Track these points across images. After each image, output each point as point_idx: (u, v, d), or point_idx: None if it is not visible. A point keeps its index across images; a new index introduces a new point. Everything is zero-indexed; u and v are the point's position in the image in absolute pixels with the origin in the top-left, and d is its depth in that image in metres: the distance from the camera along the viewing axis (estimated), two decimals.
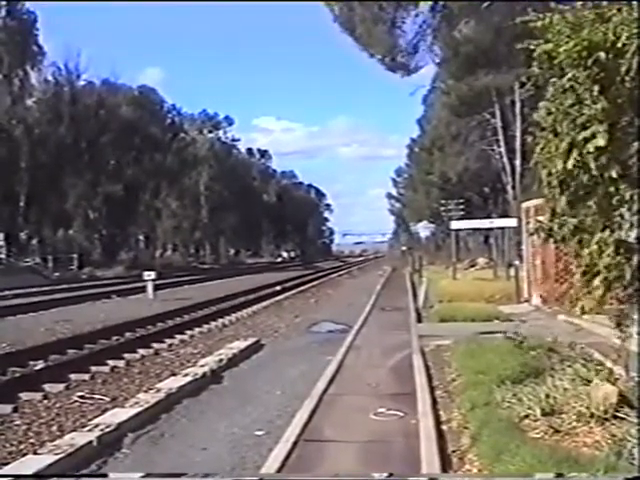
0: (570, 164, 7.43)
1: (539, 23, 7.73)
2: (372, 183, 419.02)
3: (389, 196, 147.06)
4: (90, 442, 8.25)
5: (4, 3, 68.82)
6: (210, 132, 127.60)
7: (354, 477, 6.54)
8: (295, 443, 8.02)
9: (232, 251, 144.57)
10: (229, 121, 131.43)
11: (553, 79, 7.84)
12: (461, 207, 67.71)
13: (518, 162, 52.25)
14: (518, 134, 50.78)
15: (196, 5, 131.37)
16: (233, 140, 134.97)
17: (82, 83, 79.78)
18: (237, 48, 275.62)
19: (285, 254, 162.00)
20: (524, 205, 25.13)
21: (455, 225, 40.38)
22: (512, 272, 28.26)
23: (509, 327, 15.19)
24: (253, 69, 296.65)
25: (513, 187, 54.66)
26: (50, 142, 73.10)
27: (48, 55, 74.97)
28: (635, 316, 7.80)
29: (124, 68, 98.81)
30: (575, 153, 7.40)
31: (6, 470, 7.35)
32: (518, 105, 49.89)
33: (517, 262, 28.08)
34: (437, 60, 31.52)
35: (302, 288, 40.11)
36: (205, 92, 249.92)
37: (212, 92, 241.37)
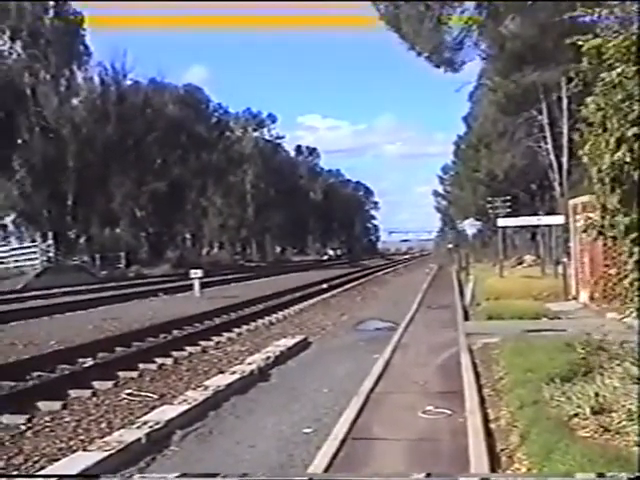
0: (618, 159, 7.37)
1: (587, 18, 7.68)
2: (418, 181, 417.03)
3: (435, 193, 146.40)
4: (139, 439, 8.29)
5: (52, 4, 69.39)
6: (255, 130, 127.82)
7: (394, 477, 6.52)
8: (343, 441, 8.02)
9: (278, 249, 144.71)
10: (272, 119, 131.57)
11: (602, 74, 7.77)
12: (508, 204, 67.25)
13: (565, 159, 51.89)
14: (565, 130, 50.43)
15: (240, 3, 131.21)
16: (278, 138, 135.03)
17: (128, 83, 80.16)
18: (281, 46, 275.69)
19: (331, 252, 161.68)
20: (571, 202, 24.96)
21: (502, 222, 40.09)
22: (560, 269, 28.08)
23: (557, 325, 15.10)
24: (298, 67, 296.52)
25: (560, 184, 54.26)
26: (97, 141, 73.52)
27: (94, 55, 75.65)
28: None
29: (170, 67, 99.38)
30: (624, 148, 7.33)
31: (56, 466, 7.41)
32: (565, 101, 49.51)
33: (565, 259, 27.90)
34: (483, 56, 31.32)
35: (348, 286, 40.06)
36: (250, 90, 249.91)
37: (257, 90, 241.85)
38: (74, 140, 70.11)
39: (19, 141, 68.04)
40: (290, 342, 16.25)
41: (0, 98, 65.04)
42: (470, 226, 65.01)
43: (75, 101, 75.25)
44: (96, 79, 77.32)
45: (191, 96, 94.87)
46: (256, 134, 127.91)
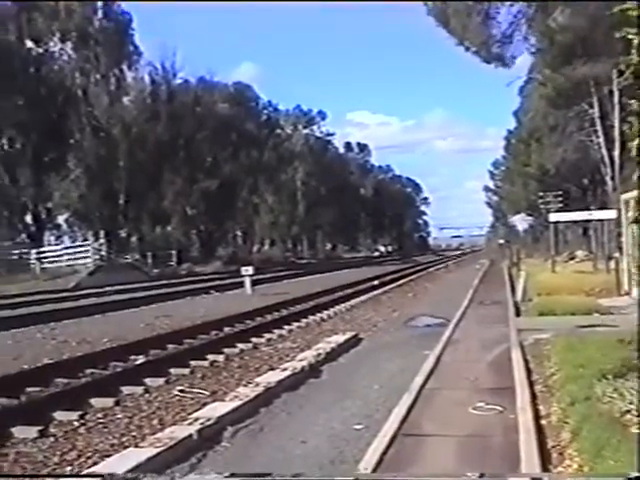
0: None
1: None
2: (469, 176, 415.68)
3: (486, 189, 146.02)
4: (190, 435, 8.35)
5: (100, 4, 70.04)
6: (305, 127, 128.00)
7: (447, 477, 6.50)
8: (394, 437, 8.01)
9: (329, 246, 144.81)
10: (322, 116, 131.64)
11: None
12: (559, 199, 66.80)
13: (617, 153, 51.35)
14: (617, 124, 49.89)
15: (284, 3, 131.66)
16: (328, 135, 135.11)
17: (178, 81, 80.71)
18: (329, 42, 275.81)
19: (382, 248, 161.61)
20: (624, 196, 24.71)
21: (553, 217, 39.81)
22: (612, 265, 27.84)
23: (609, 320, 14.98)
24: (347, 63, 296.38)
25: (612, 178, 53.75)
26: (148, 140, 74.02)
27: (144, 55, 76.23)
28: None
29: (219, 64, 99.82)
30: None
31: (107, 462, 7.48)
32: (616, 94, 49.05)
33: (617, 254, 27.64)
34: (532, 50, 31.19)
35: (399, 282, 39.96)
36: (299, 87, 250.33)
37: (306, 87, 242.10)
38: (125, 139, 70.70)
39: (71, 141, 68.71)
40: (341, 338, 16.27)
41: (52, 99, 65.83)
42: (521, 221, 64.72)
43: (126, 100, 75.87)
44: (146, 78, 77.91)
45: (241, 94, 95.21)
46: (306, 131, 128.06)
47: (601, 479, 5.60)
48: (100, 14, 70.03)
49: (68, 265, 55.53)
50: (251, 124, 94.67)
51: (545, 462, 7.00)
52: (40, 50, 68.84)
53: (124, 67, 74.00)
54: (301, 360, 13.36)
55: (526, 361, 12.45)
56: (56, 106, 67.02)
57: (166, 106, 77.05)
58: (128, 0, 72.17)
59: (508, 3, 25.80)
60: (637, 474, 5.60)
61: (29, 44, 67.73)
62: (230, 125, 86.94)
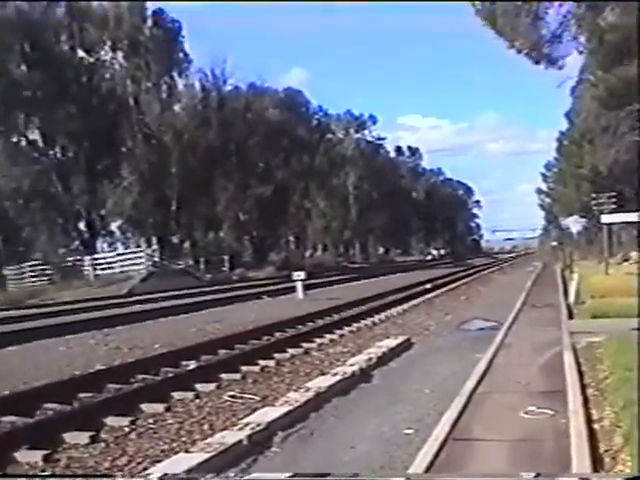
0: None
1: None
2: (521, 178, 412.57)
3: (539, 191, 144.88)
4: (240, 441, 8.33)
5: (150, 13, 70.68)
6: (356, 132, 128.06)
7: (501, 477, 6.44)
8: (444, 442, 7.96)
9: (381, 250, 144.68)
10: (373, 120, 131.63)
11: None
12: (613, 200, 66.19)
13: None
14: None
15: (338, 4, 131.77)
16: (379, 139, 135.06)
17: (229, 88, 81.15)
18: (380, 47, 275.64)
19: (435, 252, 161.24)
20: None
21: (607, 219, 39.33)
22: None
23: None
24: (397, 67, 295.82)
25: None
26: (199, 147, 74.49)
27: (194, 62, 76.76)
28: None
29: (270, 70, 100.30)
30: None
31: (158, 468, 7.49)
32: None
33: None
34: (582, 50, 30.89)
35: (452, 286, 39.80)
36: (350, 91, 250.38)
37: (356, 91, 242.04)
38: (177, 146, 71.23)
39: (123, 149, 69.30)
40: (392, 343, 16.20)
41: (104, 107, 66.49)
42: (574, 223, 64.06)
43: (177, 108, 76.41)
44: (197, 85, 78.44)
45: (291, 99, 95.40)
46: (357, 136, 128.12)
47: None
48: (150, 22, 70.63)
49: (121, 271, 56.03)
50: (302, 129, 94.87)
51: (597, 467, 6.91)
52: (92, 59, 69.59)
53: (175, 74, 74.79)
54: (352, 365, 13.30)
55: (578, 364, 12.32)
56: (108, 114, 67.69)
57: (217, 113, 77.49)
58: (176, 0, 72.89)
59: (557, 3, 25.62)
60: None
61: (81, 54, 68.51)
62: (281, 131, 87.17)
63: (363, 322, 22.17)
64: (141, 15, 70.04)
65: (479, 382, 11.17)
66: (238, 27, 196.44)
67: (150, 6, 71.14)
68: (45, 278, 58.92)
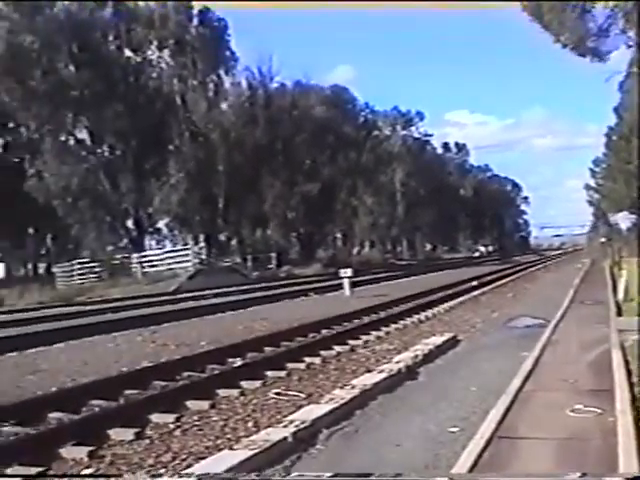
0: None
1: None
2: (569, 174, 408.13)
3: (587, 187, 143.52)
4: (285, 438, 8.32)
5: (196, 11, 71.00)
6: (403, 128, 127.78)
7: (546, 477, 6.38)
8: (489, 440, 7.89)
9: (429, 247, 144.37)
10: (420, 116, 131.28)
11: None
12: None
13: None
14: None
15: (380, 4, 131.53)
16: (426, 135, 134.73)
17: (275, 86, 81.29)
18: (425, 42, 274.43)
19: (482, 248, 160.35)
20: None
21: None
22: None
23: None
24: (443, 63, 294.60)
25: None
26: (246, 144, 74.71)
27: (241, 60, 76.97)
28: None
29: (316, 67, 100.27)
30: None
31: (202, 465, 7.50)
32: None
33: None
34: (631, 44, 30.53)
35: (499, 283, 39.58)
36: (396, 88, 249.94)
37: (403, 88, 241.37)
38: (223, 144, 71.46)
39: (170, 147, 69.67)
40: (439, 340, 16.13)
41: (151, 106, 66.93)
42: (624, 219, 63.62)
43: (224, 106, 76.68)
44: (243, 83, 78.64)
45: (338, 97, 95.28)
46: (404, 132, 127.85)
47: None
48: (196, 21, 70.95)
49: (169, 269, 56.33)
50: (349, 126, 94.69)
51: None
52: (138, 59, 70.08)
53: (221, 73, 74.92)
54: (398, 362, 13.26)
55: (627, 362, 12.18)
56: (155, 113, 68.12)
57: (263, 110, 77.64)
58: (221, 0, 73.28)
59: None
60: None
61: (128, 53, 69.00)
62: (328, 128, 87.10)
63: (409, 319, 22.11)
64: (187, 14, 70.32)
65: (525, 380, 11.08)
66: (284, 24, 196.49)
67: (196, 5, 71.49)
68: (93, 276, 59.42)
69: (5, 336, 21.24)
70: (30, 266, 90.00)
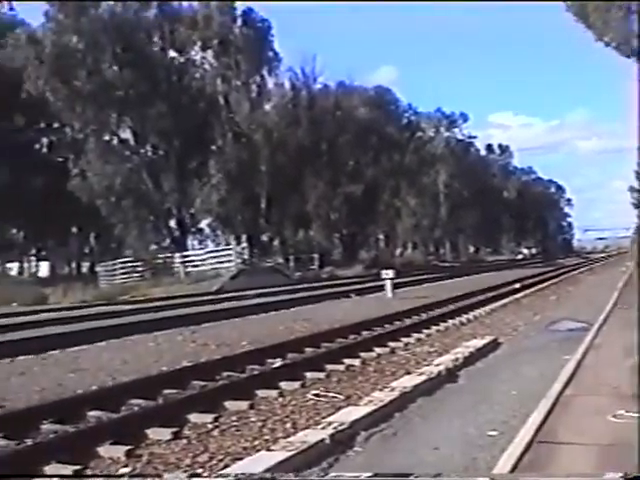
0: None
1: None
2: (614, 176, 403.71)
3: (632, 189, 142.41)
4: (322, 440, 8.29)
5: (240, 12, 71.25)
6: (447, 130, 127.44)
7: (586, 477, 6.29)
8: (529, 444, 7.81)
9: (472, 249, 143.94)
10: (464, 118, 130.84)
11: None
12: None
13: None
14: None
15: (428, 4, 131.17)
16: (469, 137, 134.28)
17: (318, 87, 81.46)
18: (469, 43, 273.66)
19: (525, 251, 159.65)
20: None
21: None
22: None
23: None
24: (487, 64, 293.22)
25: None
26: (289, 145, 74.89)
27: (284, 61, 77.13)
28: None
29: (359, 68, 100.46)
30: None
31: (239, 465, 7.49)
32: None
33: None
34: None
35: (541, 285, 39.30)
36: (440, 89, 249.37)
37: (447, 89, 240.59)
38: (266, 145, 71.62)
39: (213, 147, 69.96)
40: (480, 343, 16.04)
41: (194, 106, 67.27)
42: None
43: (267, 106, 76.89)
44: (287, 84, 78.82)
45: (381, 97, 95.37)
46: (448, 134, 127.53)
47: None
48: (240, 22, 71.13)
49: (211, 269, 56.50)
50: (392, 127, 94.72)
51: None
52: (182, 59, 70.47)
53: (265, 73, 75.09)
54: (438, 364, 13.20)
55: None
56: (198, 113, 68.48)
57: (307, 111, 77.82)
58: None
59: None
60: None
61: (172, 54, 69.39)
62: (371, 129, 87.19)
63: (451, 321, 22.02)
64: (231, 15, 70.54)
65: (567, 384, 10.95)
66: (327, 25, 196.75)
67: (240, 6, 71.73)
68: (136, 275, 59.74)
69: (48, 334, 21.42)
70: (74, 265, 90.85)
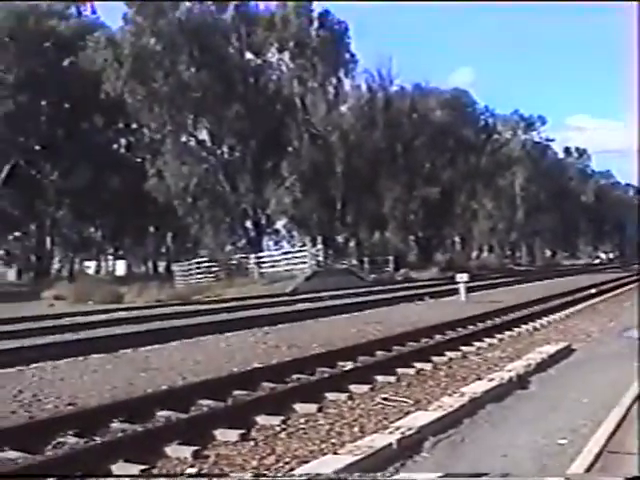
0: None
1: None
2: None
3: None
4: (390, 444, 8.26)
5: (316, 14, 71.42)
6: (524, 132, 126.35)
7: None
8: (598, 454, 7.72)
9: (548, 252, 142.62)
10: (542, 120, 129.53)
11: None
12: None
13: None
14: None
15: (503, 4, 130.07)
16: (547, 140, 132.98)
17: (394, 88, 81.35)
18: (548, 45, 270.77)
19: (603, 255, 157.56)
20: None
21: None
22: None
23: None
24: (566, 66, 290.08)
25: None
26: (365, 147, 74.89)
27: (360, 62, 77.13)
28: None
29: (435, 70, 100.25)
30: None
31: (305, 468, 7.48)
32: None
33: None
34: None
35: (618, 291, 38.74)
36: (517, 91, 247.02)
37: (524, 91, 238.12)
38: (342, 146, 71.67)
39: (289, 149, 70.24)
40: (552, 349, 15.86)
41: (271, 108, 67.59)
42: None
43: (343, 108, 76.98)
44: (363, 86, 78.84)
45: (457, 100, 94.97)
46: (525, 136, 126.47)
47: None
48: (316, 24, 71.25)
49: (286, 270, 56.64)
50: (468, 130, 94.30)
51: None
52: (258, 61, 70.84)
53: (341, 75, 75.13)
54: (509, 370, 13.07)
55: None
56: (274, 115, 68.85)
57: (383, 113, 77.72)
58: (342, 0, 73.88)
59: None
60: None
61: (248, 56, 69.78)
62: (447, 131, 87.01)
63: (524, 326, 21.81)
64: (308, 17, 70.72)
65: None
66: (404, 27, 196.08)
67: (316, 7, 71.89)
68: (211, 275, 60.10)
69: (121, 333, 21.68)
70: (150, 264, 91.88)
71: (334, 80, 74.46)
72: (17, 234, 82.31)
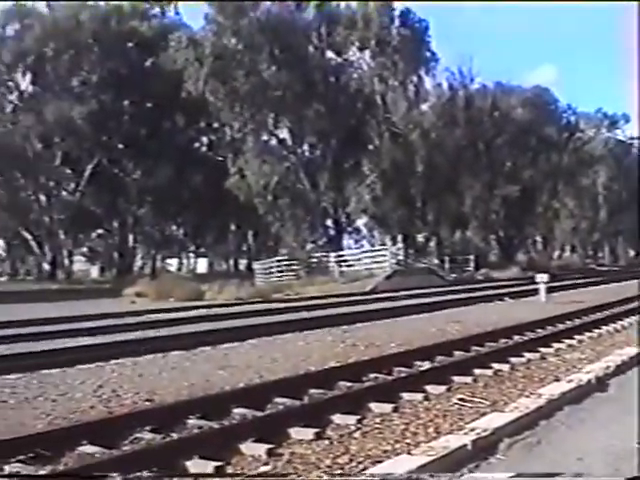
0: None
1: None
2: None
3: None
4: (464, 445, 8.25)
5: (397, 13, 71.29)
6: (608, 131, 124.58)
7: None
8: None
9: (632, 252, 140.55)
10: (626, 118, 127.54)
11: None
12: None
13: None
14: None
15: (585, 3, 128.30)
16: (631, 138, 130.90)
17: (475, 87, 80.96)
18: (630, 43, 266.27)
19: None
20: None
21: None
22: None
23: None
24: None
25: None
26: (446, 146, 74.61)
27: (441, 61, 76.93)
28: None
29: (517, 67, 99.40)
30: None
31: (378, 468, 7.51)
32: None
33: None
34: None
35: None
36: (601, 89, 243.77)
37: (608, 89, 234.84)
38: (423, 145, 71.47)
39: (370, 147, 70.28)
40: (633, 351, 15.64)
41: (351, 106, 67.67)
42: None
43: (424, 106, 76.81)
44: (444, 84, 78.60)
45: (539, 98, 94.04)
46: (608, 134, 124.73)
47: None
48: (397, 22, 71.19)
49: (366, 269, 56.60)
50: (550, 128, 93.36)
51: None
52: (339, 60, 70.97)
53: (422, 73, 75.01)
54: (588, 372, 12.94)
55: None
56: (355, 113, 68.95)
57: (464, 111, 77.38)
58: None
59: None
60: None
61: (329, 54, 69.94)
62: (529, 130, 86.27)
63: (605, 328, 21.52)
64: (389, 15, 70.67)
65: None
66: (485, 24, 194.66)
67: (398, 6, 71.83)
68: (291, 273, 60.28)
69: (200, 330, 21.90)
70: (231, 262, 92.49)
71: (415, 78, 74.44)
72: (100, 232, 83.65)
